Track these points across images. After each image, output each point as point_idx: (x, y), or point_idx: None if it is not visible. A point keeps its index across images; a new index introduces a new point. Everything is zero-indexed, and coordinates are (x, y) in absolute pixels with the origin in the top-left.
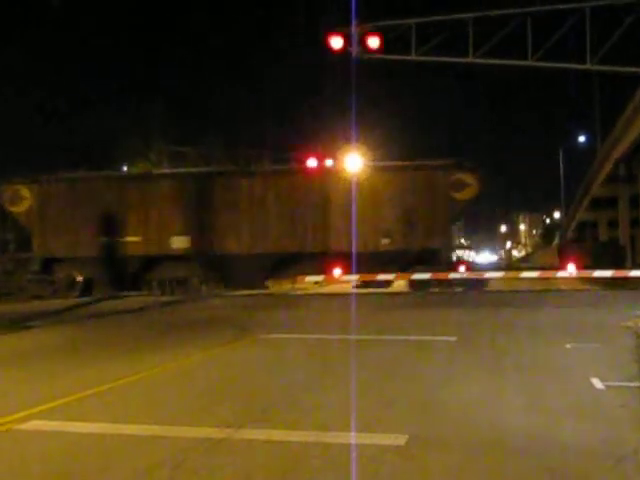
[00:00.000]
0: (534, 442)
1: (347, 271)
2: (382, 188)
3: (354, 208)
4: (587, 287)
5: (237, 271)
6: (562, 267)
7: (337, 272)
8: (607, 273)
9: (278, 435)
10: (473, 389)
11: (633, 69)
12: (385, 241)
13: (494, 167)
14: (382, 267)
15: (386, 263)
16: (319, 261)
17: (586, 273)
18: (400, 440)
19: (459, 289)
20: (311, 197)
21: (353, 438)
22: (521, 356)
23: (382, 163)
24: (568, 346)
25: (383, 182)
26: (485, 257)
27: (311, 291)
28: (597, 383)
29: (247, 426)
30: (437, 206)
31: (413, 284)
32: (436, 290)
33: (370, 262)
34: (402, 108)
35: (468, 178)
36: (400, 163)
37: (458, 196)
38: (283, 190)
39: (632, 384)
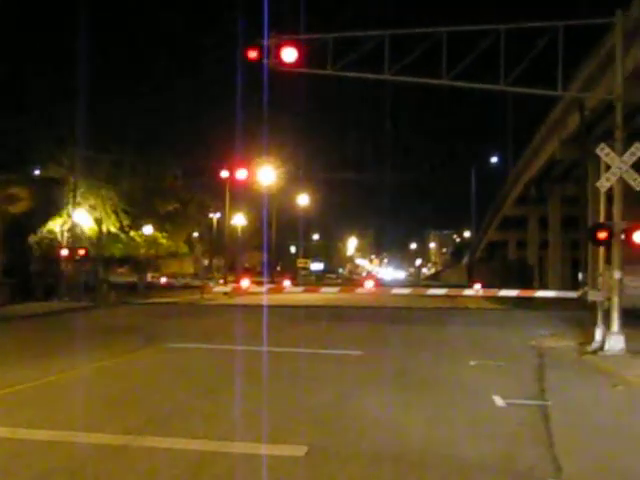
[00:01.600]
0: (434, 457)
1: None
2: None
3: None
4: (494, 306)
5: None
6: (469, 285)
7: (245, 283)
8: (513, 293)
9: (179, 443)
10: (376, 403)
11: (544, 91)
12: None
13: (405, 184)
14: None
15: None
16: None
17: (492, 292)
18: (300, 451)
19: None
20: None
21: (253, 448)
22: (425, 372)
23: None
24: (472, 363)
25: None
26: (390, 273)
27: (220, 301)
28: (498, 400)
29: (148, 433)
30: None
31: None
32: None
33: None
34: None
35: (21, 192)
36: None
37: (11, 209)
38: None
39: (532, 402)
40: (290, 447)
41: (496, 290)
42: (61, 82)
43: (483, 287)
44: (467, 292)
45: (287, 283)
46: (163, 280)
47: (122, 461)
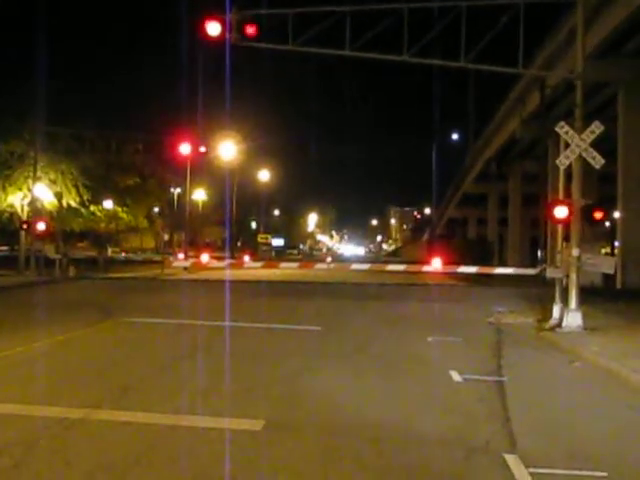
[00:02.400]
0: (390, 432)
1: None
2: None
3: None
4: (454, 282)
5: None
6: (429, 262)
7: (204, 257)
8: (472, 269)
9: (135, 417)
10: (333, 378)
11: (505, 68)
12: None
13: (368, 160)
14: None
15: None
16: None
17: (451, 268)
18: (257, 425)
19: None
20: None
21: (211, 422)
22: (383, 348)
23: None
24: (430, 339)
25: None
26: (349, 249)
27: (180, 276)
28: (455, 376)
29: (105, 407)
30: None
31: None
32: None
33: None
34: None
35: None
36: None
37: None
38: None
39: (489, 378)
40: (247, 421)
41: (455, 266)
42: (22, 55)
43: (442, 263)
44: (426, 268)
45: (247, 258)
46: (123, 255)
47: (79, 434)
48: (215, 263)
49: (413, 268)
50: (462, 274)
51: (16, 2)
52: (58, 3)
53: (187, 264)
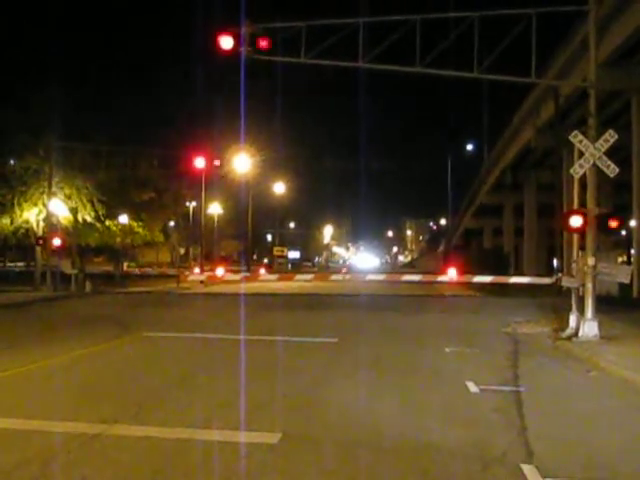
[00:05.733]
0: (407, 443)
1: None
2: None
3: None
4: (470, 293)
5: None
6: (444, 272)
7: (220, 271)
8: (487, 279)
9: (152, 431)
10: (350, 390)
11: (518, 78)
12: None
13: (384, 171)
14: None
15: None
16: None
17: (466, 278)
18: (273, 438)
19: None
20: None
21: (228, 436)
22: (399, 359)
23: None
24: (447, 350)
25: None
26: (364, 260)
27: (196, 290)
28: (472, 387)
29: (123, 422)
30: None
31: None
32: None
33: None
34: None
35: None
36: None
37: None
38: None
39: (506, 388)
40: (264, 434)
41: (470, 276)
42: (37, 71)
43: (458, 274)
44: (441, 278)
45: (262, 271)
46: (137, 271)
47: (96, 450)
48: (231, 276)
49: (429, 278)
50: (478, 284)
51: (32, 18)
52: (73, 19)
53: (203, 278)
